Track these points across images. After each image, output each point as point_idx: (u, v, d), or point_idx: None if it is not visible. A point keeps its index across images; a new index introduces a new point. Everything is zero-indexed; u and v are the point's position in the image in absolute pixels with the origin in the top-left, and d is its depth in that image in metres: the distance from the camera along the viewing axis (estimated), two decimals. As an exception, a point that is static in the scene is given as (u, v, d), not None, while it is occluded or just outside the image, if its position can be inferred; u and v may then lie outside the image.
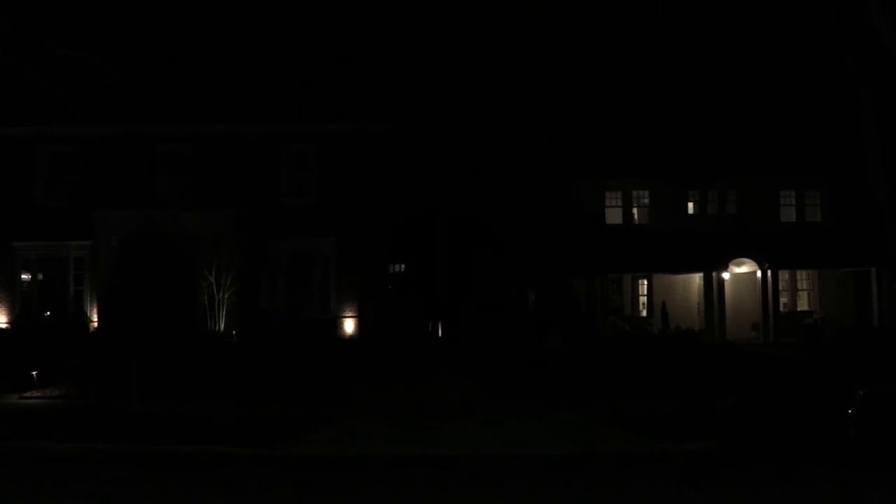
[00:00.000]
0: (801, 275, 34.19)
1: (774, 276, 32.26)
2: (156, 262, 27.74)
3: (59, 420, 16.92)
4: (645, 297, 33.88)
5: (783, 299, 33.45)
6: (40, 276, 29.17)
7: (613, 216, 33.80)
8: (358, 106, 29.60)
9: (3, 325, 28.49)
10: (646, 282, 33.79)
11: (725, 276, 32.24)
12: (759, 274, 32.34)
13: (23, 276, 29.12)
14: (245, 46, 30.34)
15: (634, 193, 33.97)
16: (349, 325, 29.10)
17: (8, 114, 28.48)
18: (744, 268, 32.94)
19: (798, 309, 33.71)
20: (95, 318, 28.37)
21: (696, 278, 33.21)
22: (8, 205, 28.70)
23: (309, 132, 29.37)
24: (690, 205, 34.05)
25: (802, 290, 34.30)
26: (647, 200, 33.94)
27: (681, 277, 33.43)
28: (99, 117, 28.63)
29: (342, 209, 28.99)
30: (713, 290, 32.10)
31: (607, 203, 33.87)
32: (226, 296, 27.38)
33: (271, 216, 28.75)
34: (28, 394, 20.66)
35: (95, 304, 28.51)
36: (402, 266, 45.82)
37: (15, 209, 28.69)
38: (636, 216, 34.12)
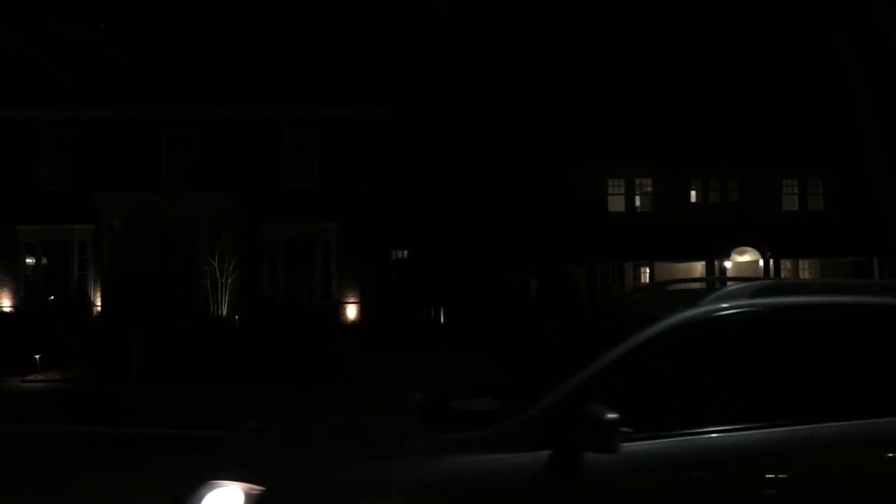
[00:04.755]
0: (804, 264, 34.26)
1: (777, 264, 32.34)
2: (158, 247, 27.77)
3: (60, 403, 17.02)
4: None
5: (785, 288, 33.45)
6: (44, 260, 29.27)
7: (616, 203, 33.84)
8: (359, 92, 29.55)
9: (7, 309, 28.60)
10: (647, 270, 33.84)
11: (727, 264, 32.30)
12: (761, 262, 32.40)
13: (27, 260, 29.22)
14: (247, 33, 30.20)
15: (637, 181, 34.00)
16: (351, 311, 29.18)
17: (10, 97, 28.40)
18: (746, 256, 32.99)
19: (800, 297, 33.68)
20: (99, 302, 28.47)
21: (699, 266, 33.26)
22: (11, 188, 28.71)
23: (310, 117, 29.38)
24: (693, 193, 34.09)
25: (805, 278, 34.31)
26: (649, 188, 33.97)
27: (683, 265, 33.46)
28: (100, 101, 28.60)
29: (344, 195, 29.02)
30: (715, 278, 32.10)
31: (610, 190, 33.91)
32: (229, 280, 27.46)
33: (274, 201, 28.80)
34: (31, 377, 20.74)
35: (99, 288, 28.61)
36: (405, 252, 45.84)
37: (18, 193, 28.72)
38: (638, 203, 34.15)
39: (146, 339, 20.91)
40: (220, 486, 4.30)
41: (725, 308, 4.79)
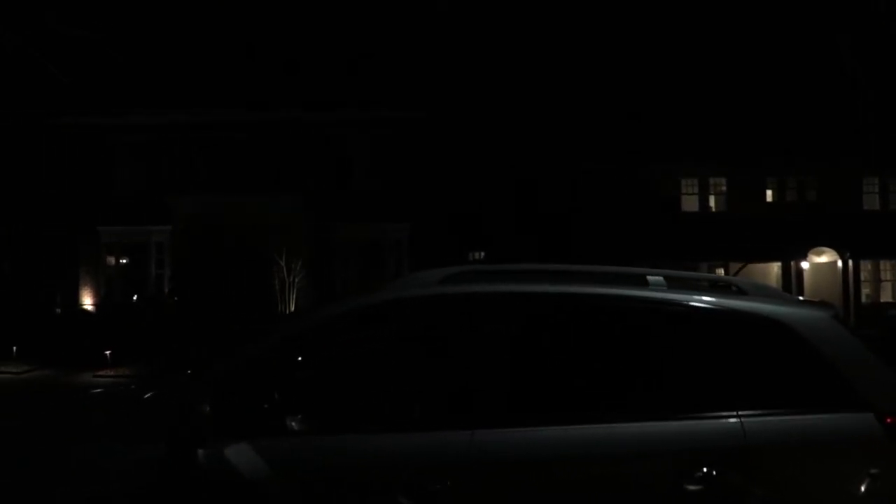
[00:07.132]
0: (885, 265, 33.03)
1: (856, 265, 31.33)
2: (229, 247, 28.42)
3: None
4: (721, 287, 33.14)
5: (865, 290, 32.40)
6: (123, 261, 30.29)
7: (689, 204, 33.29)
8: (426, 94, 29.55)
9: (89, 308, 29.68)
10: (722, 271, 33.13)
11: (804, 265, 31.46)
12: (839, 264, 31.44)
13: (107, 261, 30.26)
14: (311, 35, 30.48)
15: (711, 180, 33.38)
16: (422, 313, 29.18)
17: (85, 103, 29.12)
18: (823, 257, 32.07)
19: (881, 300, 32.60)
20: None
21: (775, 267, 32.48)
22: (91, 191, 29.73)
23: (377, 119, 29.61)
24: (769, 192, 33.25)
25: (886, 280, 33.14)
26: (723, 188, 33.31)
27: (758, 267, 32.65)
28: (170, 105, 29.23)
29: (416, 195, 29.13)
30: (791, 279, 31.35)
31: (683, 190, 33.38)
32: (296, 280, 27.83)
33: (342, 202, 29.11)
34: (101, 372, 21.57)
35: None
36: (482, 253, 45.78)
37: (98, 196, 29.70)
38: (712, 204, 33.52)
39: (213, 335, 21.50)
40: None
41: (399, 296, 4.34)
